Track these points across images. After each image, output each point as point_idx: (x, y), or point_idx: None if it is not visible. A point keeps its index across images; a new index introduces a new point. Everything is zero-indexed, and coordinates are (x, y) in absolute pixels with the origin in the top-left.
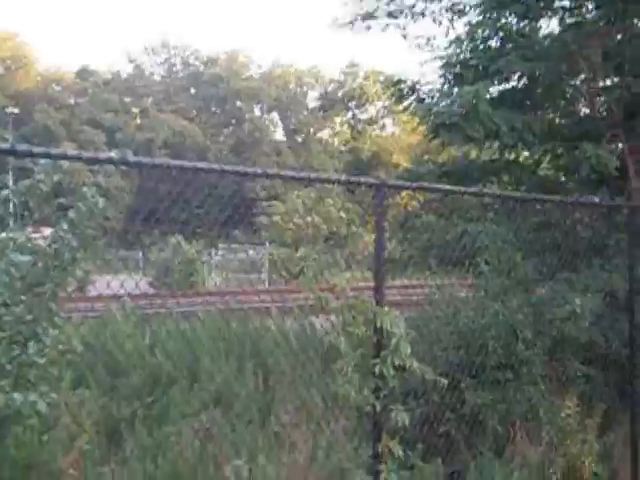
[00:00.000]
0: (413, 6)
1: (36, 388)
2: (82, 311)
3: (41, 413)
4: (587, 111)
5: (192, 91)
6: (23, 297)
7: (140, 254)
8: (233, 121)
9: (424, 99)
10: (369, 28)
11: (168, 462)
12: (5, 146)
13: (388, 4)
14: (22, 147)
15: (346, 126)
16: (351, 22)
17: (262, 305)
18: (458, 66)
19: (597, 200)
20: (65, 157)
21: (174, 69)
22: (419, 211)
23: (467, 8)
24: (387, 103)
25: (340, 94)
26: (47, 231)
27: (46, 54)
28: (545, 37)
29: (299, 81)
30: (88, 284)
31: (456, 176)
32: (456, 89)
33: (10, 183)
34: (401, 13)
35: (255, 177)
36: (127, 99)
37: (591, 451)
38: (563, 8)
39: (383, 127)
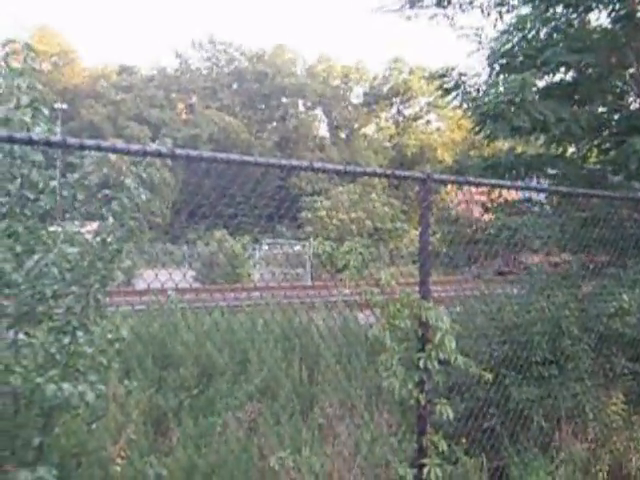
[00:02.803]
0: None
1: (85, 378)
2: (130, 304)
3: (89, 403)
4: (637, 105)
5: (235, 86)
6: (73, 288)
7: (185, 248)
8: (277, 117)
9: (470, 92)
10: (417, 16)
11: (213, 452)
12: (57, 139)
13: None
14: (73, 140)
15: (391, 122)
16: (399, 9)
17: (307, 299)
18: (505, 57)
19: None
20: (114, 150)
21: (219, 64)
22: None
23: (516, 2)
24: (432, 99)
25: (385, 90)
26: (95, 225)
27: (92, 50)
28: (594, 29)
29: (344, 77)
30: (135, 277)
31: (501, 170)
32: (502, 79)
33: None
34: (449, 3)
35: (301, 170)
36: (173, 95)
37: (638, 448)
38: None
39: (428, 123)
